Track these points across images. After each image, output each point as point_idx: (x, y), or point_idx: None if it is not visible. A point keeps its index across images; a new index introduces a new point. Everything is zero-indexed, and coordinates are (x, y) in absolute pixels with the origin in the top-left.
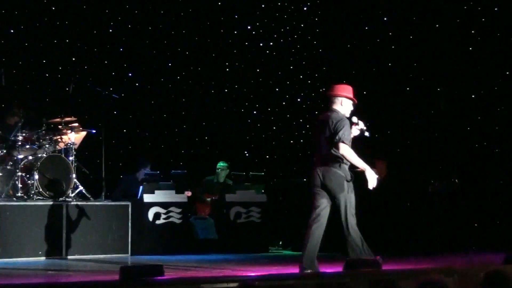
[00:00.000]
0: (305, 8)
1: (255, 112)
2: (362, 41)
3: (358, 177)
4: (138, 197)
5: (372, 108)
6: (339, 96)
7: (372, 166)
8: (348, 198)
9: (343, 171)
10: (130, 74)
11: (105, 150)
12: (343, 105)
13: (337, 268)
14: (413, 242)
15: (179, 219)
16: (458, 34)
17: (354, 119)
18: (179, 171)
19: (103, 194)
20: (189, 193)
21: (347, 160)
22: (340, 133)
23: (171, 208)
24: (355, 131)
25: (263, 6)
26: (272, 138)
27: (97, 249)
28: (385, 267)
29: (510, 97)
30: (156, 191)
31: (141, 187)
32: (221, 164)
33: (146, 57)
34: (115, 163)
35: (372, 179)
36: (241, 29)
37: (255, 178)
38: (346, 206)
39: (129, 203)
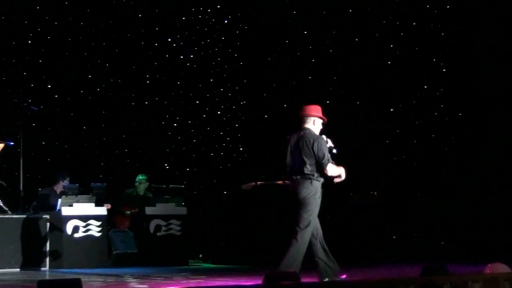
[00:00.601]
0: (225, 21)
1: (175, 124)
2: (281, 53)
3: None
4: (57, 210)
5: (294, 120)
6: (312, 116)
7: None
8: (314, 214)
9: (314, 187)
10: (49, 86)
11: (23, 162)
12: (315, 124)
13: (257, 281)
14: (332, 254)
15: (98, 232)
16: (377, 47)
17: (324, 137)
18: (99, 183)
19: (21, 207)
20: (108, 206)
21: (332, 177)
22: (326, 154)
23: (90, 221)
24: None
25: (183, 18)
26: (192, 151)
27: (14, 263)
28: (304, 279)
29: (429, 109)
30: (74, 204)
31: (59, 200)
32: (140, 177)
33: (65, 69)
34: (34, 175)
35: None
36: (162, 41)
37: (175, 191)
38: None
39: (48, 216)
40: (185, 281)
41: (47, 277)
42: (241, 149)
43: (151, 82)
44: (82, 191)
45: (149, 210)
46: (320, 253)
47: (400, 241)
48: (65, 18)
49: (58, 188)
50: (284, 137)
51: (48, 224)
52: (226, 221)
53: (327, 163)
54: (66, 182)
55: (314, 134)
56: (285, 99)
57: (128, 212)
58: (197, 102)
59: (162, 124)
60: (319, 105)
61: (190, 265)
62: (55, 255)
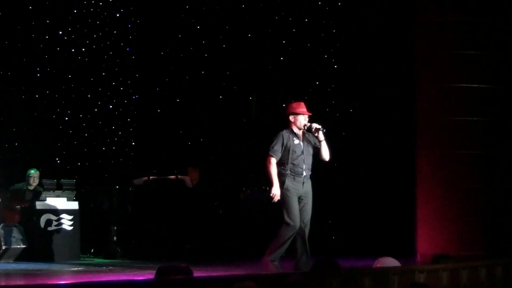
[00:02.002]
0: (117, 15)
1: (66, 118)
2: (175, 49)
3: None
4: None
5: (186, 115)
6: (287, 115)
7: (186, 173)
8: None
9: (281, 180)
10: None
11: None
12: (293, 121)
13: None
14: (224, 249)
15: None
16: (269, 42)
17: (307, 125)
18: None
19: None
20: None
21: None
22: (271, 146)
23: None
24: (320, 135)
25: (75, 11)
26: (84, 145)
27: None
28: (196, 274)
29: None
30: None
31: None
32: (32, 171)
33: None
34: None
35: (275, 194)
36: (52, 34)
37: (66, 185)
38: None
39: None
40: (77, 276)
41: None
42: (133, 143)
43: (42, 74)
44: None
45: (39, 205)
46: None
47: None
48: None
49: None
50: (177, 131)
51: None
52: (118, 216)
53: (268, 153)
54: None
55: (278, 133)
56: (179, 93)
57: (18, 206)
58: (89, 95)
59: (53, 117)
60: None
61: (81, 260)
62: None
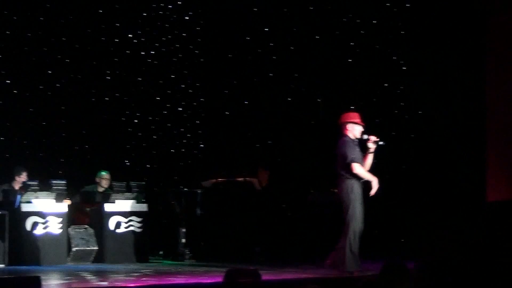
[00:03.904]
0: (186, 17)
1: (135, 120)
2: (243, 52)
3: None
4: (16, 206)
5: (254, 117)
6: (344, 123)
7: (255, 175)
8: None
9: (346, 185)
10: (8, 81)
11: None
12: (349, 129)
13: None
14: (292, 251)
15: (59, 228)
16: (337, 45)
17: (365, 136)
18: (58, 180)
19: None
20: (68, 202)
21: (361, 177)
22: (349, 156)
23: (49, 218)
24: (371, 146)
25: (144, 14)
26: (153, 147)
27: None
28: (265, 277)
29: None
30: (34, 200)
31: (18, 196)
32: (102, 172)
33: (22, 64)
34: None
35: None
36: (121, 37)
37: (135, 187)
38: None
39: (6, 213)
40: (145, 278)
41: (6, 275)
42: (201, 145)
43: (111, 77)
44: (42, 187)
45: (109, 207)
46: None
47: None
48: None
49: (17, 184)
50: (246, 133)
51: (7, 220)
52: (186, 218)
53: (351, 163)
54: (23, 178)
55: (342, 140)
56: (248, 94)
57: (88, 209)
58: (158, 98)
59: (122, 120)
60: (351, 112)
61: (150, 262)
62: (14, 252)
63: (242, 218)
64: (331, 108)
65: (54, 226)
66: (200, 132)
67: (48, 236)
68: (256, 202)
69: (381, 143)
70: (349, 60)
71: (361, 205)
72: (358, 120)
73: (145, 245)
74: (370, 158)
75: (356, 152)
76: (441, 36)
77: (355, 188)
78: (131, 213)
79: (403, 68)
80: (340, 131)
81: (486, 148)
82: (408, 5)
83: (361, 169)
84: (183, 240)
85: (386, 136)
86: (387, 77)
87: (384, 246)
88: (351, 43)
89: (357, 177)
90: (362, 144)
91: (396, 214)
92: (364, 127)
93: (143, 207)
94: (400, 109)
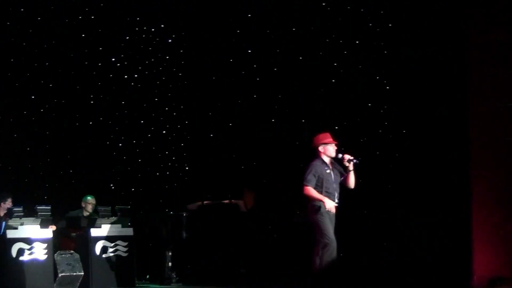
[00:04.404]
0: (169, 40)
1: (120, 144)
2: (227, 74)
3: None
4: (1, 233)
5: (239, 139)
6: (316, 146)
7: (241, 197)
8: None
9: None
10: None
11: None
12: (323, 151)
13: None
14: (279, 273)
15: (44, 254)
16: (321, 65)
17: (339, 155)
18: (43, 205)
19: None
20: (53, 228)
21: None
22: (306, 177)
23: (35, 244)
24: (348, 165)
25: (127, 38)
26: (138, 171)
27: None
28: None
29: (377, 130)
30: (19, 227)
31: (3, 223)
32: (87, 197)
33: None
34: None
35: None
36: (105, 61)
37: (121, 212)
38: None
39: None
40: None
41: None
42: (187, 168)
43: (95, 102)
44: (27, 213)
45: (94, 232)
46: None
47: (348, 257)
48: None
49: (1, 210)
50: (231, 155)
51: None
52: (173, 241)
53: (303, 185)
54: (8, 204)
55: (308, 164)
56: (232, 117)
57: (74, 234)
58: (142, 121)
59: (106, 143)
60: (326, 131)
61: (137, 286)
62: (0, 279)
63: (228, 240)
64: (316, 129)
65: (40, 252)
66: (185, 154)
67: (34, 263)
68: (242, 224)
69: (355, 161)
70: (332, 81)
71: (331, 222)
72: (329, 140)
73: (132, 270)
74: (351, 177)
75: (311, 175)
76: (424, 54)
77: (323, 209)
78: (117, 238)
79: (387, 87)
80: (315, 155)
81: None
82: (390, 25)
83: (311, 192)
84: (170, 264)
85: (370, 156)
86: (370, 97)
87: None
88: (334, 64)
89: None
90: (341, 163)
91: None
92: (337, 145)
93: (129, 231)
94: (384, 129)
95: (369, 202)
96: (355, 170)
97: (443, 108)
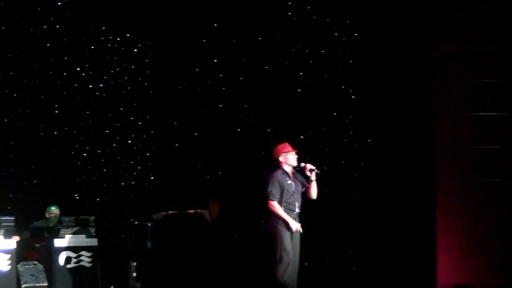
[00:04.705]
0: (135, 50)
1: (85, 154)
2: (192, 83)
3: None
4: None
5: (205, 148)
6: (277, 157)
7: (206, 207)
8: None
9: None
10: None
11: None
12: (284, 160)
13: None
14: (245, 283)
15: (7, 265)
16: (286, 74)
17: (301, 164)
18: (7, 216)
19: None
20: (17, 238)
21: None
22: (268, 191)
23: None
24: (310, 175)
25: (92, 47)
26: (103, 181)
27: None
28: None
29: (342, 139)
30: None
31: None
32: (51, 208)
33: None
34: None
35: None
36: (69, 70)
37: (85, 222)
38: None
39: None
40: None
41: None
42: (152, 178)
43: (59, 111)
44: None
45: (58, 242)
46: None
47: (313, 268)
48: None
49: None
50: (196, 164)
51: None
52: (137, 251)
53: (268, 199)
54: None
55: (269, 176)
56: (198, 126)
57: (38, 244)
58: (107, 131)
59: (71, 153)
60: (284, 142)
61: None
62: None
63: (193, 250)
64: (282, 138)
65: (3, 263)
66: (150, 164)
67: None
68: (207, 234)
69: (317, 171)
70: (298, 90)
71: (291, 237)
72: (288, 149)
73: (96, 280)
74: (313, 187)
75: (276, 188)
76: (389, 64)
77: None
78: (81, 248)
79: (352, 96)
80: (276, 166)
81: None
82: (355, 34)
83: (276, 209)
84: (134, 274)
85: (335, 165)
86: (336, 106)
87: None
88: (300, 73)
89: (285, 210)
90: (303, 173)
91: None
92: (297, 153)
93: (93, 241)
94: (350, 138)
95: (334, 211)
96: (317, 180)
97: (408, 117)
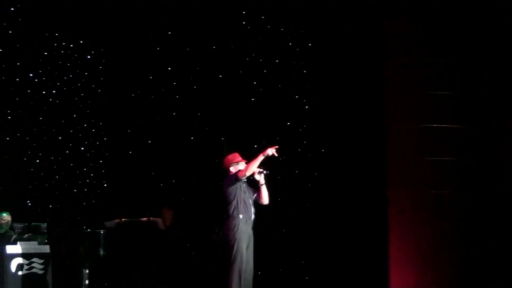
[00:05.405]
0: (88, 57)
1: (37, 160)
2: (145, 90)
3: None
4: None
5: (158, 156)
6: (227, 168)
7: (159, 215)
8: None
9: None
10: None
11: None
12: (234, 171)
13: None
14: None
15: None
16: (240, 83)
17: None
18: None
19: None
20: None
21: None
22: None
23: None
24: (259, 178)
25: (45, 53)
26: (55, 187)
27: None
28: None
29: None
30: None
31: None
32: (2, 214)
33: None
34: None
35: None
36: (22, 76)
37: (37, 229)
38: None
39: None
40: None
41: None
42: (105, 185)
43: (12, 117)
44: None
45: (10, 249)
46: None
47: (270, 275)
48: None
49: None
50: (149, 172)
51: None
52: (90, 259)
53: (238, 174)
54: None
55: (226, 179)
56: (151, 134)
57: None
58: (60, 137)
59: (23, 159)
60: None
61: None
62: None
63: (146, 258)
64: (236, 146)
65: None
66: (103, 171)
67: None
68: (160, 242)
69: (265, 172)
70: (252, 99)
71: (247, 245)
72: (238, 159)
73: (48, 287)
74: (263, 191)
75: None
76: (342, 76)
77: (241, 227)
78: (33, 255)
79: (306, 107)
80: (227, 176)
81: (386, 188)
82: (310, 44)
83: (249, 166)
84: (87, 282)
85: (289, 174)
86: (289, 115)
87: None
88: (254, 82)
89: (243, 217)
90: (252, 180)
91: None
92: (246, 163)
93: (45, 248)
94: (303, 147)
95: (287, 221)
96: (267, 183)
97: (360, 128)
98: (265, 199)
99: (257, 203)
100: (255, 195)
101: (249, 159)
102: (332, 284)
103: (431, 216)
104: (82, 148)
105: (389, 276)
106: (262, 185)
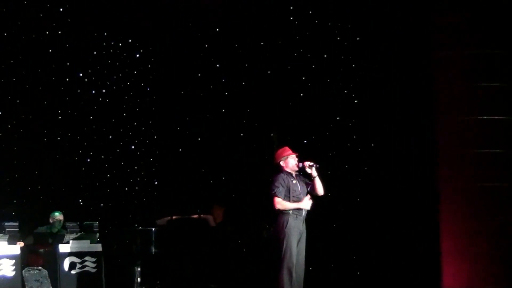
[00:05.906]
0: (137, 55)
1: (88, 160)
2: (195, 87)
3: None
4: None
5: (208, 154)
6: (278, 162)
7: (210, 212)
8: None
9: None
10: None
11: None
12: (285, 165)
13: None
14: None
15: (12, 271)
16: (289, 79)
17: (300, 164)
18: (11, 222)
19: None
20: (21, 244)
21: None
22: (273, 190)
23: (2, 261)
24: (310, 172)
25: (95, 53)
26: (106, 186)
27: None
28: None
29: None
30: None
31: None
32: (56, 213)
33: None
34: None
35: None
36: (72, 76)
37: (89, 227)
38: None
39: None
40: None
41: None
42: (156, 183)
43: (63, 117)
44: None
45: (63, 248)
46: None
47: (318, 272)
48: None
49: None
50: (200, 169)
51: None
52: (142, 257)
53: (273, 197)
54: None
55: (273, 177)
56: (201, 131)
57: (42, 250)
58: (110, 136)
59: (75, 159)
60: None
61: None
62: None
63: (197, 255)
64: (285, 142)
65: (8, 269)
66: (154, 169)
67: (1, 279)
68: (211, 239)
69: (316, 165)
70: (301, 95)
71: (297, 240)
72: (288, 153)
73: (100, 286)
74: (317, 183)
75: (280, 187)
76: (391, 69)
77: (291, 223)
78: (86, 254)
79: (355, 101)
80: (279, 171)
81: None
82: (358, 38)
83: (282, 203)
84: (139, 279)
85: (339, 169)
86: (339, 110)
87: None
88: (303, 77)
89: (293, 212)
90: (305, 173)
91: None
92: (298, 156)
93: (97, 247)
94: (353, 142)
95: (338, 216)
96: (319, 175)
97: (411, 122)
98: (319, 190)
99: (312, 195)
100: (309, 187)
101: (299, 153)
102: (383, 280)
103: (484, 211)
104: (133, 147)
105: (442, 270)
106: (315, 177)
